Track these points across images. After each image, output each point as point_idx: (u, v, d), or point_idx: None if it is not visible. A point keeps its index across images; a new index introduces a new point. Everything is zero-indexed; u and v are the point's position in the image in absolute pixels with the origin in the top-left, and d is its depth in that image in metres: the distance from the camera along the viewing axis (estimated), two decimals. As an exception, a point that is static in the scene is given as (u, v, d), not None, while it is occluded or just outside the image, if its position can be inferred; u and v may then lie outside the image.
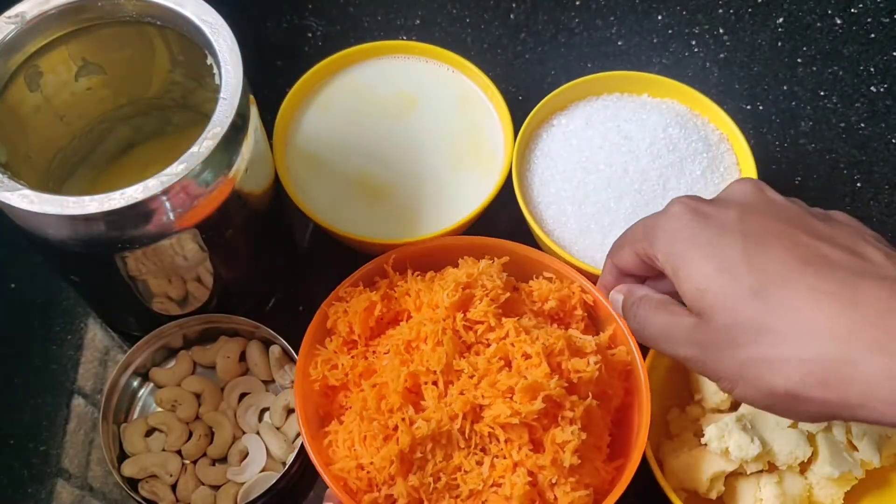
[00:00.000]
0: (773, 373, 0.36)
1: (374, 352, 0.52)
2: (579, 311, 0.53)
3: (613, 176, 0.57)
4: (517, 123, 0.60)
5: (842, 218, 0.41)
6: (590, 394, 0.48)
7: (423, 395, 0.47)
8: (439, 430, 0.46)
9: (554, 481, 0.46)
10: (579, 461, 0.46)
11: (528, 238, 0.57)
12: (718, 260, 0.39)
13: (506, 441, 0.46)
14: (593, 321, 0.55)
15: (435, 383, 0.47)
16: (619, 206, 0.56)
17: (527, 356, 0.47)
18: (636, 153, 0.57)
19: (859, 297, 0.35)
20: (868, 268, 0.37)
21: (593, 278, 0.54)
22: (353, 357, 0.51)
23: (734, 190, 0.43)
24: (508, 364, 0.48)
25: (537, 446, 0.47)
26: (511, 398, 0.46)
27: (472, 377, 0.47)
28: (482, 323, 0.49)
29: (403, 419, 0.46)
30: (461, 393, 0.46)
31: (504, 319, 0.49)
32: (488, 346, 0.48)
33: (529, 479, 0.46)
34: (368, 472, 0.47)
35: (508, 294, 0.51)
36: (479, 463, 0.46)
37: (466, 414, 0.46)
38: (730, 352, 0.38)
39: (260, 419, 0.57)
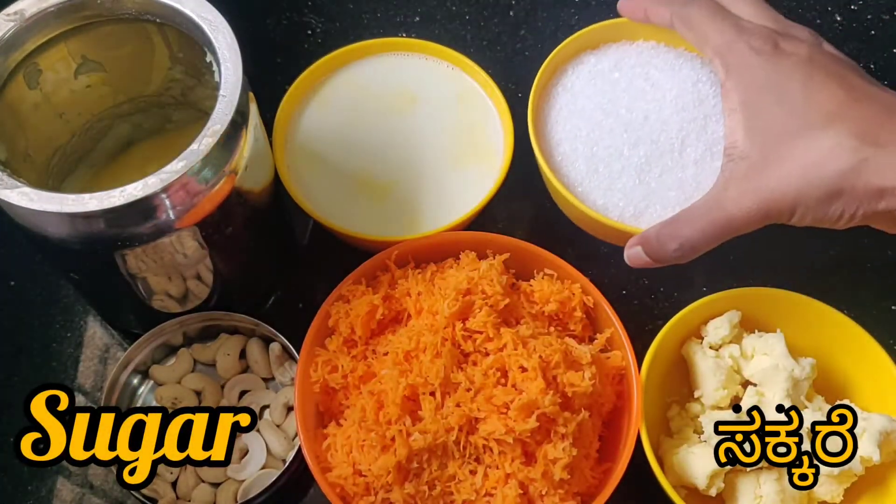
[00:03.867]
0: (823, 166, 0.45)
1: (373, 351, 0.52)
2: (578, 313, 0.53)
3: (633, 122, 0.55)
4: (517, 119, 0.60)
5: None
6: (583, 408, 0.49)
7: (420, 405, 0.48)
8: (435, 441, 0.46)
9: (544, 493, 0.47)
10: (569, 476, 0.47)
11: (527, 235, 0.57)
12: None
13: (499, 453, 0.47)
14: (591, 321, 0.55)
15: (433, 394, 0.48)
16: (632, 154, 0.55)
17: (523, 369, 0.48)
18: (660, 102, 0.56)
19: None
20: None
21: (595, 225, 0.53)
22: (353, 358, 0.51)
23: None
24: (505, 375, 0.48)
25: (529, 458, 0.48)
26: (506, 414, 0.47)
27: (468, 390, 0.47)
28: (481, 333, 0.49)
29: (401, 431, 0.46)
30: (458, 405, 0.47)
31: (503, 330, 0.49)
32: (486, 355, 0.49)
33: (520, 490, 0.47)
34: (366, 478, 0.47)
35: (508, 300, 0.51)
36: (473, 472, 0.47)
37: (462, 426, 0.47)
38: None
39: (260, 416, 0.57)
